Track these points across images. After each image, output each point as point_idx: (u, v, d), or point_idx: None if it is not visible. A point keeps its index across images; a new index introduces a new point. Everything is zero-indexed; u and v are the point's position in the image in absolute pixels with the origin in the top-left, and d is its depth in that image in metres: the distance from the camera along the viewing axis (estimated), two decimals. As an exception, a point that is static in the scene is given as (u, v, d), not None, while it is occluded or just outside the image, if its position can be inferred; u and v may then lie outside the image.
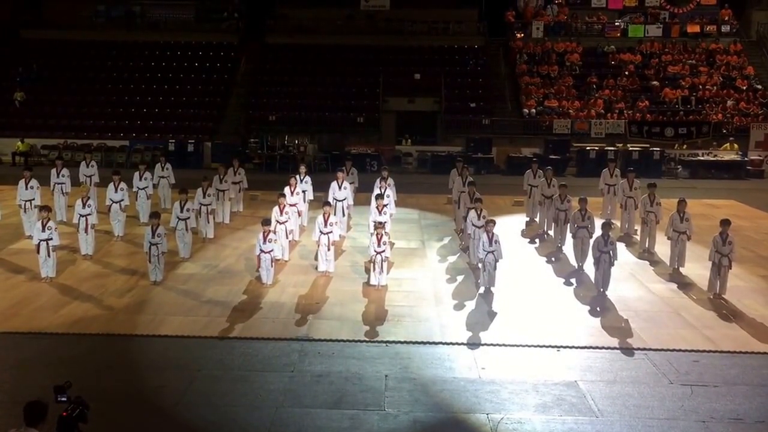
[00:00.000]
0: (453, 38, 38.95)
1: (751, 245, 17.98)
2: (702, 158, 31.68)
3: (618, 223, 19.12)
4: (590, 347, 11.57)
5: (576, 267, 15.99)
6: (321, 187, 19.65)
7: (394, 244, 17.05)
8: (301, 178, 18.73)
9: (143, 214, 18.91)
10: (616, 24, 39.12)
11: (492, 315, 13.01)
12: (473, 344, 11.62)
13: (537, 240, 18.93)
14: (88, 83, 35.88)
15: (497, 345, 11.61)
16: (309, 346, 11.39)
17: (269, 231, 14.16)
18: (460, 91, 36.17)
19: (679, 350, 11.41)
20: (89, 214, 15.94)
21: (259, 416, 9.14)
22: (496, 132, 33.79)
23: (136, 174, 19.41)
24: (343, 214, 18.31)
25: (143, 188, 19.30)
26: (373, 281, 14.29)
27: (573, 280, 15.27)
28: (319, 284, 14.59)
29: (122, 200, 17.79)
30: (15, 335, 11.65)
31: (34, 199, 17.65)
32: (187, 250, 16.14)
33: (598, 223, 15.62)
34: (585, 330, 12.37)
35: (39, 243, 14.16)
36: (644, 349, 11.48)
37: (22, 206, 17.65)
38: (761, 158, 31.86)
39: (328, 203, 15.94)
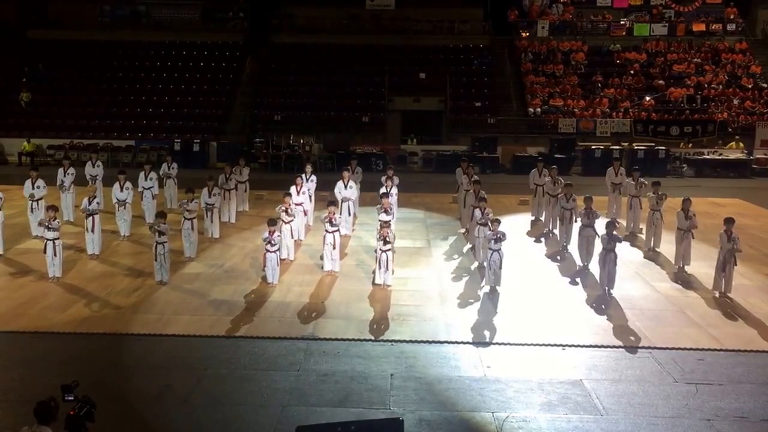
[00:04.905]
0: (458, 37, 38.98)
1: (756, 244, 17.94)
2: (707, 157, 31.61)
3: (624, 222, 19.13)
4: (595, 346, 11.58)
5: (581, 266, 16.00)
6: (326, 187, 19.73)
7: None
8: (307, 177, 18.82)
9: (149, 213, 18.98)
10: (622, 23, 39.14)
11: (497, 314, 13.02)
12: (478, 343, 11.64)
13: (542, 239, 18.94)
14: (94, 83, 35.99)
15: (502, 344, 11.63)
16: (314, 345, 11.43)
17: (274, 231, 14.19)
18: (465, 91, 36.20)
19: (684, 349, 11.42)
20: (95, 212, 15.98)
21: (266, 415, 9.18)
22: (501, 131, 33.81)
23: (141, 174, 19.48)
24: (349, 214, 18.35)
25: (149, 188, 19.36)
26: (378, 280, 14.30)
27: (578, 279, 15.28)
28: (325, 283, 14.63)
29: (127, 199, 17.86)
30: (22, 335, 11.72)
31: (41, 199, 17.72)
32: (193, 250, 16.19)
33: (603, 222, 15.62)
34: (590, 329, 12.37)
35: (45, 242, 14.29)
36: (649, 347, 11.50)
37: (30, 204, 17.69)
38: (767, 157, 31.77)
39: (333, 203, 15.96)
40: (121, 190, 17.79)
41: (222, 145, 32.18)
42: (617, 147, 31.11)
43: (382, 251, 14.10)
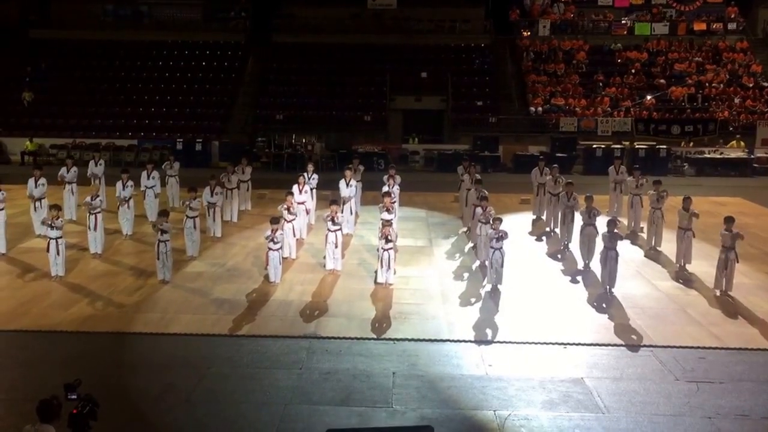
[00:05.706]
0: (460, 36, 38.97)
1: (757, 242, 17.93)
2: (708, 156, 31.54)
3: (625, 221, 19.15)
4: (596, 344, 11.60)
5: (582, 265, 16.02)
6: (327, 186, 19.75)
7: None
8: (309, 176, 18.86)
9: (151, 212, 19.01)
10: (623, 22, 39.13)
11: (499, 312, 13.04)
12: (480, 341, 11.67)
13: (544, 238, 18.96)
14: (96, 83, 36.04)
15: (504, 342, 11.66)
16: (317, 343, 11.45)
17: (277, 229, 14.22)
18: (466, 90, 36.20)
19: (685, 347, 11.44)
20: (97, 208, 15.99)
21: (268, 413, 9.20)
22: (502, 130, 33.79)
23: (144, 173, 19.49)
24: (351, 212, 18.38)
25: (151, 187, 19.37)
26: (380, 279, 14.32)
27: (579, 278, 15.31)
28: (327, 282, 14.66)
29: (125, 195, 17.87)
30: (25, 333, 11.76)
31: (43, 197, 17.75)
32: (195, 249, 16.22)
33: (605, 220, 15.64)
34: (591, 327, 12.40)
35: (48, 241, 14.34)
36: (650, 346, 11.52)
37: (32, 204, 17.73)
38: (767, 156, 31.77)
39: (335, 201, 15.98)
40: (124, 189, 17.84)
41: (224, 145, 32.19)
42: (618, 146, 31.10)
43: (384, 250, 14.12)
